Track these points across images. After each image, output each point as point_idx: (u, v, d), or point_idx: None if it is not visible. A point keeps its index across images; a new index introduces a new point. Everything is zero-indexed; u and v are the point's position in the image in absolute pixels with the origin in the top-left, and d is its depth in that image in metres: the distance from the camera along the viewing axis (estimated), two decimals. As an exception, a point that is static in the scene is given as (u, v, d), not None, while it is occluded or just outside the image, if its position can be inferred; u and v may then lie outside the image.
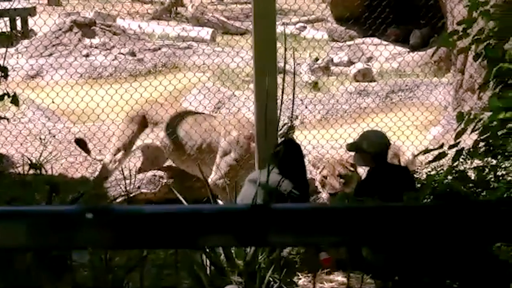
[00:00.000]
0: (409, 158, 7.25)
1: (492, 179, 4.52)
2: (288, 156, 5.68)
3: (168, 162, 7.51)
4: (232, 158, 6.60)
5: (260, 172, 5.63)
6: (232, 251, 5.08)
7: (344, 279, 5.37)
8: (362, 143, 5.81)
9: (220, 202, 5.70)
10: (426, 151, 4.72)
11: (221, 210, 1.66)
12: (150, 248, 4.17)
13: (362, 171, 6.55)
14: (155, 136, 7.04)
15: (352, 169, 6.69)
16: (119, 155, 7.11)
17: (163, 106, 7.18)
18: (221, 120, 6.87)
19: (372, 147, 5.72)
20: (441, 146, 4.56)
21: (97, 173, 7.70)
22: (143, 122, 7.14)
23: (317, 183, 7.08)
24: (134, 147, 7.21)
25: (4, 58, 5.45)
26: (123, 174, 6.39)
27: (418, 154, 5.51)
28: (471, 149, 4.53)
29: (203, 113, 7.64)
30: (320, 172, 6.77)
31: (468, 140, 4.91)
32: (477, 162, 4.71)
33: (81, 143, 7.45)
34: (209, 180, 6.59)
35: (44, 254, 4.88)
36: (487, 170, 4.56)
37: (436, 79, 11.20)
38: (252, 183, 5.60)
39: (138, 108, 7.25)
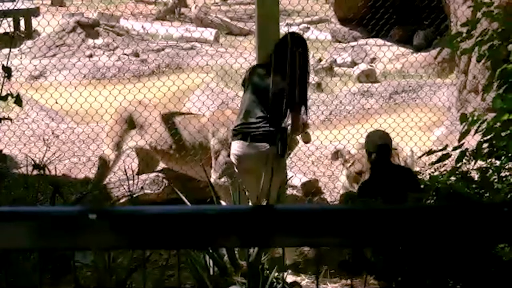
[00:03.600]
0: (407, 154, 7.25)
1: (496, 180, 4.52)
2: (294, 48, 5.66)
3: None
4: (225, 155, 6.56)
5: (259, 70, 5.70)
6: (236, 252, 5.08)
7: (348, 280, 5.37)
8: (364, 142, 5.97)
9: (223, 202, 5.70)
10: (430, 152, 4.71)
11: (224, 211, 1.66)
12: (153, 248, 4.17)
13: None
14: (146, 139, 6.96)
15: None
16: (112, 155, 7.05)
17: (149, 107, 7.07)
18: (210, 117, 6.80)
19: (368, 146, 5.83)
20: (445, 147, 4.56)
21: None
22: (130, 122, 7.05)
23: (344, 180, 6.95)
24: (126, 147, 7.14)
25: (8, 59, 5.45)
26: (126, 175, 6.39)
27: (422, 156, 5.50)
28: (475, 150, 4.52)
29: (192, 113, 7.59)
30: (349, 167, 6.75)
31: (471, 141, 4.90)
32: (480, 163, 4.71)
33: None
34: (212, 175, 6.57)
35: (47, 255, 4.88)
36: (490, 171, 4.55)
37: (440, 80, 11.19)
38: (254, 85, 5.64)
39: (126, 107, 7.14)
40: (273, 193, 5.36)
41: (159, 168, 7.29)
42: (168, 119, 6.94)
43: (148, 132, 6.90)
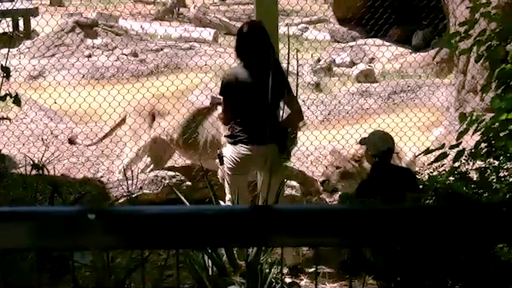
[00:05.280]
0: (409, 159, 7.28)
1: (494, 180, 4.52)
2: (263, 38, 5.61)
3: (170, 163, 7.52)
4: None
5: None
6: (234, 252, 5.08)
7: (346, 280, 5.37)
8: (366, 141, 5.96)
9: (222, 203, 5.70)
10: (428, 151, 4.71)
11: (223, 211, 1.66)
12: (152, 248, 4.16)
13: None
14: (161, 131, 7.15)
15: (355, 164, 6.84)
16: (133, 154, 7.25)
17: (170, 101, 7.30)
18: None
19: (371, 149, 5.81)
20: (443, 146, 4.55)
21: (99, 174, 7.71)
22: (150, 119, 7.27)
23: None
24: (143, 143, 7.30)
25: (6, 59, 5.45)
26: (125, 175, 6.40)
27: (419, 154, 5.51)
28: (473, 150, 4.52)
29: (208, 106, 7.70)
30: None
31: (470, 141, 4.91)
32: (479, 163, 4.71)
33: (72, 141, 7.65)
34: (219, 173, 6.59)
35: (45, 254, 4.88)
36: (489, 171, 4.55)
37: (438, 80, 11.20)
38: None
39: (146, 104, 7.33)
40: (272, 193, 5.37)
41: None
42: (183, 112, 7.11)
43: (168, 122, 7.08)
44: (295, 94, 5.68)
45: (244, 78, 5.56)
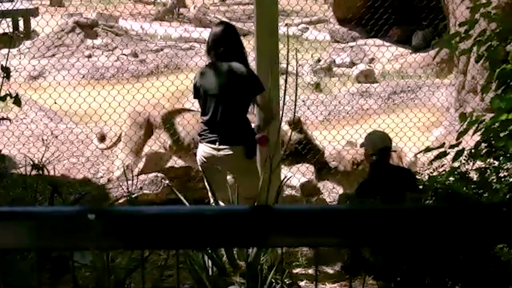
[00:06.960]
0: (411, 160, 7.29)
1: (494, 181, 4.51)
2: (230, 38, 5.72)
3: (170, 163, 7.51)
4: None
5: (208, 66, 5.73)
6: (234, 252, 5.08)
7: (346, 281, 5.37)
8: (364, 141, 5.99)
9: (221, 203, 5.70)
10: (427, 149, 4.71)
11: (223, 211, 1.66)
12: (152, 248, 4.17)
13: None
14: (156, 138, 7.09)
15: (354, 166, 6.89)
16: (129, 161, 7.20)
17: (165, 108, 7.23)
18: None
19: (368, 146, 5.84)
20: (442, 145, 4.55)
21: (99, 174, 7.71)
22: (148, 126, 7.17)
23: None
24: (143, 153, 7.26)
25: (7, 59, 5.45)
26: (125, 175, 6.40)
27: (418, 153, 5.52)
28: (473, 150, 4.52)
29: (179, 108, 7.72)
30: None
31: (470, 141, 4.90)
32: (479, 163, 4.71)
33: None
34: None
35: (45, 255, 4.88)
36: (489, 171, 4.55)
37: (438, 80, 11.20)
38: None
39: (141, 111, 7.24)
40: (246, 194, 5.37)
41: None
42: (176, 115, 7.07)
43: (158, 133, 7.03)
44: (289, 96, 5.71)
45: (210, 78, 5.61)
